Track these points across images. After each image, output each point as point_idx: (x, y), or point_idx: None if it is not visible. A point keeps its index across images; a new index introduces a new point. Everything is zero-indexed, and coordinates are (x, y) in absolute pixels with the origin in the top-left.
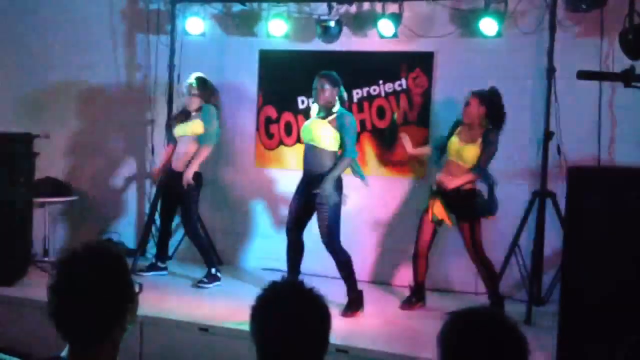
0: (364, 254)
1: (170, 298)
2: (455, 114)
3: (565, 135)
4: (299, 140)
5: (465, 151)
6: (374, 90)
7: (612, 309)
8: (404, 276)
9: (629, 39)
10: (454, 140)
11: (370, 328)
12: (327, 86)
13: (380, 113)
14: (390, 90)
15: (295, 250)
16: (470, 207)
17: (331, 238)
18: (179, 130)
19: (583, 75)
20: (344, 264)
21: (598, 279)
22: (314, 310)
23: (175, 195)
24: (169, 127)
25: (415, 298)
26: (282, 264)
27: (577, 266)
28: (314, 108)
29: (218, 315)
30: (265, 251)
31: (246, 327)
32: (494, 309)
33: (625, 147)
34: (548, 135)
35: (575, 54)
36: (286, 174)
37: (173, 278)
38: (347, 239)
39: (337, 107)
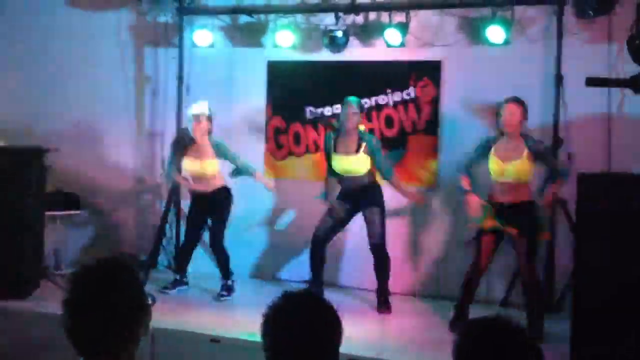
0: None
1: (182, 309)
2: (464, 121)
3: (575, 142)
4: (307, 150)
5: (512, 168)
6: (382, 99)
7: (625, 314)
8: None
9: (636, 45)
10: (495, 161)
11: (379, 337)
12: (357, 111)
13: (389, 122)
14: (399, 100)
15: (322, 261)
16: (531, 219)
17: (383, 240)
18: (193, 166)
19: (591, 82)
20: (387, 265)
21: (610, 284)
22: (326, 320)
23: (207, 213)
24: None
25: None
26: (293, 275)
27: (588, 272)
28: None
29: (229, 326)
30: (276, 262)
31: (257, 338)
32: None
33: (635, 153)
34: (558, 142)
35: (583, 61)
36: (296, 184)
37: (185, 287)
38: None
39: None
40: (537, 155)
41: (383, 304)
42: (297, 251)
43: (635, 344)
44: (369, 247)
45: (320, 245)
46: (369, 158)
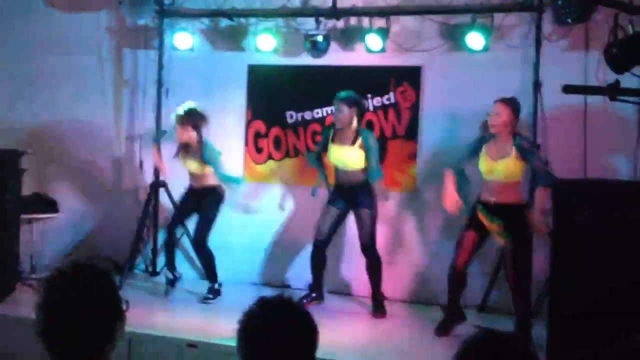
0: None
1: (158, 313)
2: (443, 127)
3: (552, 148)
4: (288, 154)
5: (500, 166)
6: None
7: (600, 320)
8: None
9: (613, 53)
10: (485, 160)
11: (355, 342)
12: (345, 108)
13: (369, 127)
14: (379, 105)
15: (324, 263)
16: (519, 222)
17: (373, 241)
18: (190, 165)
19: (569, 89)
20: (378, 266)
21: (585, 291)
22: (301, 325)
23: (193, 210)
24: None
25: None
26: (271, 279)
27: (564, 279)
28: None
29: (206, 330)
30: (254, 266)
31: (234, 342)
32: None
33: (611, 160)
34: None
35: (562, 68)
36: (275, 188)
37: (160, 293)
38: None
39: (355, 124)
40: (521, 153)
41: (376, 308)
42: (274, 255)
43: (613, 351)
44: (360, 247)
45: (322, 248)
46: (363, 154)
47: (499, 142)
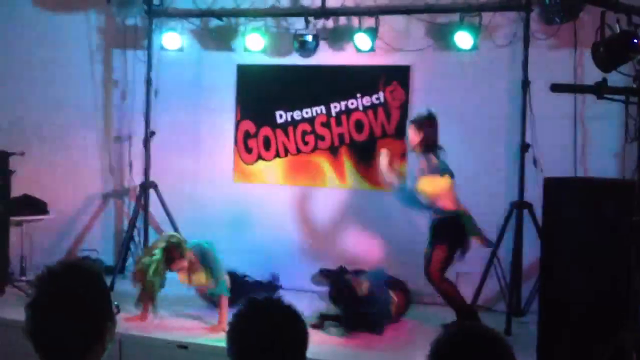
0: None
1: (149, 315)
2: None
3: (541, 147)
4: (277, 154)
5: (420, 185)
6: (352, 103)
7: (591, 317)
8: None
9: (600, 52)
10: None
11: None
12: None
13: (359, 126)
14: (368, 104)
15: None
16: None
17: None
18: (183, 279)
19: (557, 88)
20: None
21: (576, 288)
22: (291, 326)
23: None
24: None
25: None
26: (262, 279)
27: (555, 276)
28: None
29: (197, 332)
30: (245, 266)
31: (225, 343)
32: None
33: (600, 159)
34: (524, 147)
35: (550, 66)
36: (264, 188)
37: None
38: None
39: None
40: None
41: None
42: (264, 255)
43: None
44: None
45: None
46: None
47: (420, 161)
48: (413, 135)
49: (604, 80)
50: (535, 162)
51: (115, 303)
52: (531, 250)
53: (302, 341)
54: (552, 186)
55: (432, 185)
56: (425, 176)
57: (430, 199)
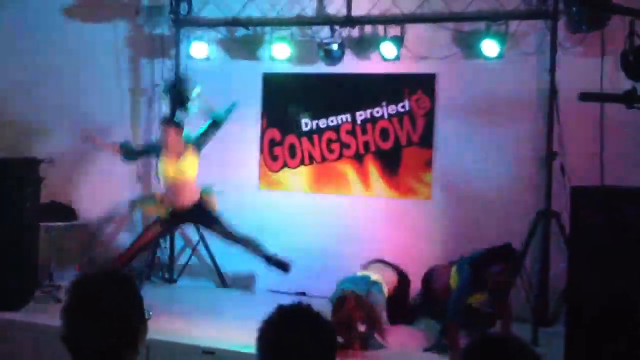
0: None
1: (176, 320)
2: (458, 134)
3: (568, 155)
4: (302, 162)
5: None
6: (377, 112)
7: (619, 327)
8: None
9: (629, 60)
10: None
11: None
12: None
13: (384, 135)
14: (394, 112)
15: None
16: None
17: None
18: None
19: (585, 97)
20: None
21: (603, 298)
22: (320, 334)
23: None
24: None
25: None
26: (289, 287)
27: (582, 286)
28: None
29: (225, 337)
30: (271, 274)
31: (252, 349)
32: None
33: (628, 167)
34: (551, 155)
35: (577, 75)
36: (290, 196)
37: (180, 299)
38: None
39: None
40: None
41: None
42: (290, 262)
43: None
44: None
45: None
46: None
47: None
48: None
49: (634, 89)
50: (562, 170)
51: (147, 310)
52: (557, 259)
53: (331, 348)
54: (580, 195)
55: None
56: None
57: None
